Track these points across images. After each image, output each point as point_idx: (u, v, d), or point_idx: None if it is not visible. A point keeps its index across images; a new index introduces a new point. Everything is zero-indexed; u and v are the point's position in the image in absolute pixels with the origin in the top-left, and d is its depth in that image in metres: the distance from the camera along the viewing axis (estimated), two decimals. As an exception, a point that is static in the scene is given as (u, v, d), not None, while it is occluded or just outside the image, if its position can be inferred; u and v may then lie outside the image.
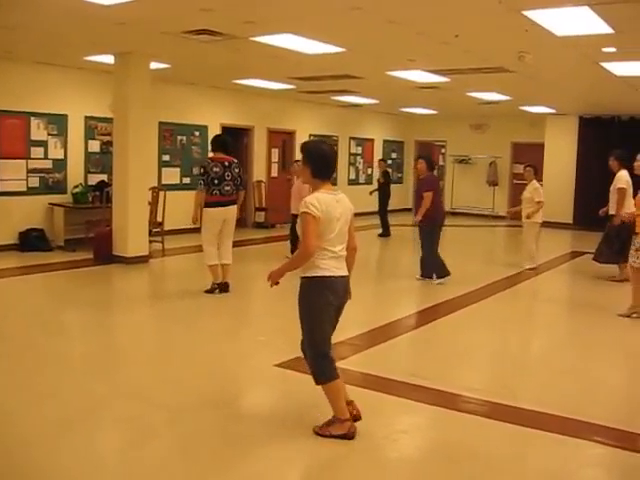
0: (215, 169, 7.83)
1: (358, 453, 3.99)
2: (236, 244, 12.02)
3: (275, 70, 11.10)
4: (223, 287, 8.09)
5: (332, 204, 3.99)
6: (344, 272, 4.10)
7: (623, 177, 9.82)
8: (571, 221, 17.16)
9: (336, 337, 4.32)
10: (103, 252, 9.95)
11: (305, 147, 4.23)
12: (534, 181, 10.89)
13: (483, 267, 11.39)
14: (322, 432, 4.10)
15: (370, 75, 11.32)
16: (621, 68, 9.60)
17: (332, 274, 4.00)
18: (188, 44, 8.68)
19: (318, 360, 4.07)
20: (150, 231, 10.59)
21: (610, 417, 4.66)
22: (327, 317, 4.05)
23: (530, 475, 3.83)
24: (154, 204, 10.90)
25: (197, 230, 13.21)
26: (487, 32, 7.57)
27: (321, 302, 4.00)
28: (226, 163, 7.96)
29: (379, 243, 13.99)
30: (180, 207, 12.74)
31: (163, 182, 12.53)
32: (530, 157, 18.29)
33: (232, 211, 8.06)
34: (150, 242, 10.50)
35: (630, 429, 4.45)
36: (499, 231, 17.31)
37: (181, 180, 13.32)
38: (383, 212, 14.55)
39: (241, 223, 14.80)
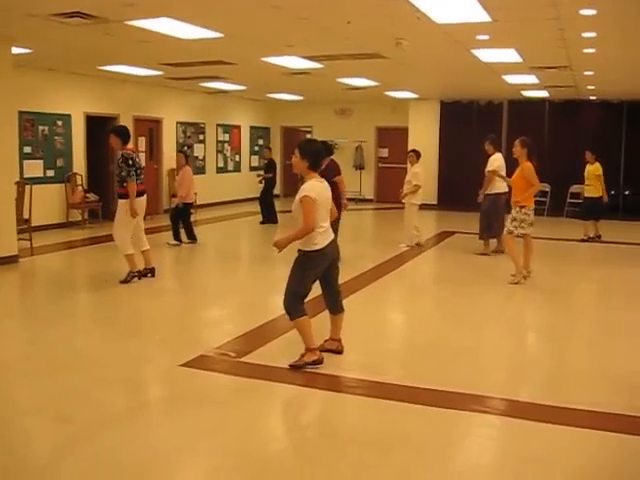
0: (137, 159, 8.08)
1: (287, 452, 3.92)
2: (104, 238, 11.55)
3: (145, 56, 10.63)
4: (151, 272, 8.44)
5: (322, 190, 5.13)
6: (330, 239, 5.21)
7: (496, 160, 10.38)
8: (435, 202, 17.79)
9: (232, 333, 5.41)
10: (-34, 254, 9.17)
11: (304, 145, 5.22)
12: (416, 165, 11.26)
13: (366, 249, 11.63)
14: (297, 364, 5.14)
15: (244, 61, 11.10)
16: (489, 55, 9.98)
17: (322, 246, 5.11)
18: (54, 27, 8.10)
19: (294, 302, 5.15)
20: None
21: (499, 389, 4.92)
22: (311, 279, 5.18)
23: (451, 452, 3.92)
24: (20, 199, 10.16)
25: (64, 225, 12.78)
26: (370, 18, 7.59)
27: (311, 269, 5.14)
28: (137, 153, 8.43)
29: (262, 230, 13.77)
30: (45, 202, 12.07)
31: (25, 175, 11.69)
32: (394, 141, 18.97)
33: (145, 199, 8.35)
34: (17, 240, 9.78)
35: (519, 398, 4.75)
36: (368, 214, 17.67)
37: (45, 173, 12.51)
38: (267, 200, 14.26)
39: (111, 215, 14.19)
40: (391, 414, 4.46)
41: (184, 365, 5.25)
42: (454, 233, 13.16)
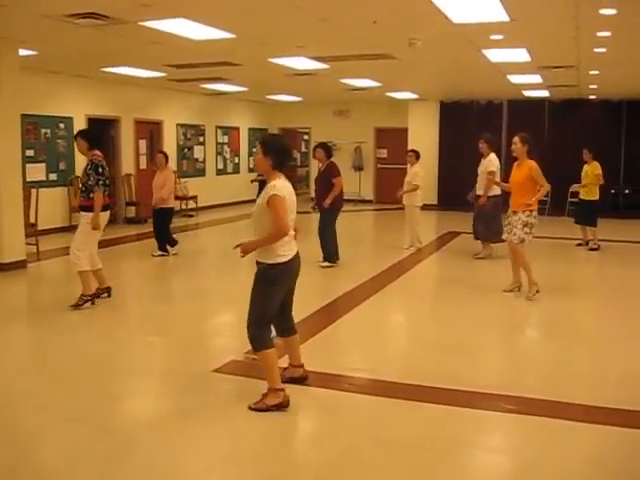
0: (106, 167, 7.20)
1: (340, 459, 3.84)
2: (108, 243, 11.40)
3: (152, 57, 10.51)
4: (107, 291, 7.47)
5: (290, 190, 4.50)
6: (295, 249, 4.54)
7: (494, 161, 10.21)
8: (436, 202, 17.76)
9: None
10: (-26, 259, 9.01)
11: (267, 141, 4.69)
12: (415, 165, 11.17)
13: (369, 253, 11.56)
14: (258, 406, 4.38)
15: (250, 62, 11.02)
16: (499, 55, 9.94)
17: (289, 258, 4.44)
18: (64, 29, 7.97)
19: (259, 329, 4.42)
20: (23, 233, 9.71)
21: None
22: (279, 296, 4.48)
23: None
24: (26, 204, 10.00)
25: (67, 229, 12.61)
26: (389, 18, 7.52)
27: (277, 285, 4.44)
28: (104, 160, 7.33)
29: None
30: (48, 205, 11.89)
31: (28, 179, 11.51)
32: (393, 142, 18.92)
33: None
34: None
35: (562, 399, 4.72)
36: (368, 215, 17.60)
37: (47, 176, 12.37)
38: None
39: (111, 219, 14.04)
40: (434, 417, 4.43)
41: (217, 371, 5.18)
42: (459, 234, 13.09)
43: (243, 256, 4.46)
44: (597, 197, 11.40)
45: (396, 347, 6.38)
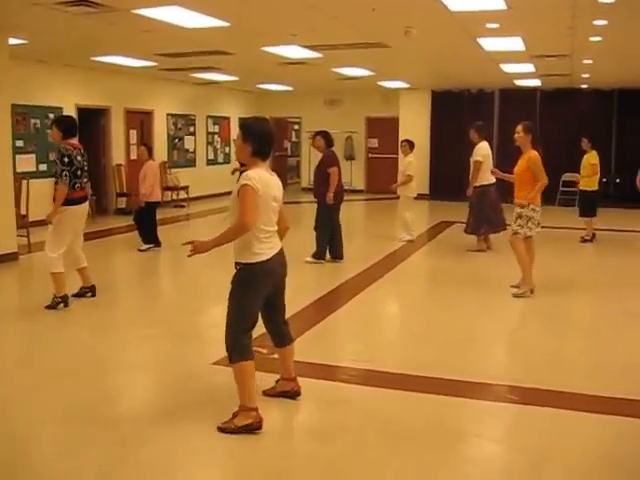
0: (78, 158, 6.65)
1: (348, 453, 3.81)
2: (98, 235, 11.28)
3: (144, 46, 10.37)
4: (91, 290, 7.15)
5: (271, 183, 4.00)
6: (278, 247, 4.07)
7: (481, 149, 10.01)
8: (427, 192, 17.71)
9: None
10: (-36, 252, 8.87)
11: (247, 125, 4.11)
12: (409, 155, 11.06)
13: (361, 245, 11.47)
14: (227, 426, 3.92)
15: (243, 51, 10.92)
16: (493, 43, 9.90)
17: (268, 257, 3.96)
18: (55, 17, 7.85)
19: (238, 336, 3.96)
20: (14, 225, 9.57)
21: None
22: (259, 299, 4.03)
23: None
24: (16, 195, 9.88)
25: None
26: (384, 5, 7.45)
27: (254, 288, 3.97)
28: (82, 151, 6.82)
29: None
30: (39, 196, 11.72)
31: (18, 170, 11.37)
32: (384, 131, 18.87)
33: (87, 207, 6.96)
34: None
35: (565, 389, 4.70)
36: (359, 205, 17.52)
37: (37, 167, 12.23)
38: None
39: (101, 210, 13.97)
40: (438, 408, 4.41)
41: (216, 363, 5.11)
42: (452, 223, 13.03)
43: (191, 255, 3.93)
44: (596, 187, 11.06)
45: (394, 338, 6.36)
